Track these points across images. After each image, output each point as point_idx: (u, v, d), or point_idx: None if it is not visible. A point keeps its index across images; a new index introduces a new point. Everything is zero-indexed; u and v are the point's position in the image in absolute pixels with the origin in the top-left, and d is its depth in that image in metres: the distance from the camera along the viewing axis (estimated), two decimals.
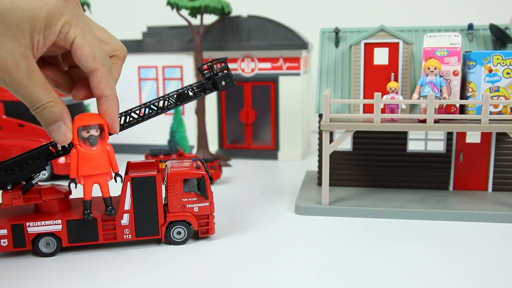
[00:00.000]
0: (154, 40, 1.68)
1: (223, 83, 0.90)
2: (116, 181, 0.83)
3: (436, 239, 0.90)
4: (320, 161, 1.18)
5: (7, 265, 0.81)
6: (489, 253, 0.83)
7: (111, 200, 0.84)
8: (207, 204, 0.88)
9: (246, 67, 1.62)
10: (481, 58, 1.02)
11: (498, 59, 1.01)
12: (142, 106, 0.86)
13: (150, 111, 0.87)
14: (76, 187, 0.82)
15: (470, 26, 1.17)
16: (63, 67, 0.80)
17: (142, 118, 0.86)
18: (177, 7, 1.46)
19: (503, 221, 0.98)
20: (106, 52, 0.75)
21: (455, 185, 1.16)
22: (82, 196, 0.82)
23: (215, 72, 0.90)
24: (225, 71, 0.90)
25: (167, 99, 0.88)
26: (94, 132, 0.78)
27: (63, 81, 0.78)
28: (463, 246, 0.87)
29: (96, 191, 0.82)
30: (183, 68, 1.69)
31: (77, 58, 0.70)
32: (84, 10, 1.57)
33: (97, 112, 0.78)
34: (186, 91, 0.88)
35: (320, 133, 1.14)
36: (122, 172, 0.86)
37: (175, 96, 0.88)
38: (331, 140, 1.13)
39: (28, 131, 1.41)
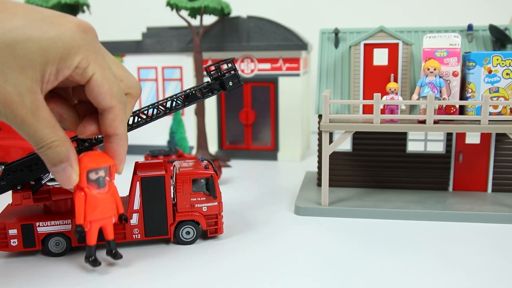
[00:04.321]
0: (154, 40, 1.68)
1: (230, 83, 0.90)
2: (121, 222, 0.79)
3: (436, 239, 0.90)
4: (319, 162, 1.18)
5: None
6: (488, 254, 0.84)
7: (115, 243, 0.80)
8: (216, 203, 0.89)
9: (245, 67, 1.63)
10: (481, 58, 1.03)
11: (497, 59, 1.02)
12: (150, 106, 0.87)
13: (158, 111, 0.87)
14: (83, 235, 0.75)
15: (470, 27, 1.18)
16: (73, 101, 0.74)
17: (150, 119, 0.87)
18: (176, 7, 1.46)
19: (503, 221, 0.98)
20: None
21: (454, 185, 1.16)
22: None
23: (222, 72, 0.90)
24: (232, 72, 0.91)
25: (175, 99, 0.88)
26: (103, 173, 0.72)
27: (69, 116, 0.72)
28: (463, 246, 0.87)
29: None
30: (182, 69, 1.69)
31: (93, 94, 0.66)
32: (84, 11, 1.57)
33: (103, 150, 0.73)
34: (194, 92, 0.89)
35: (320, 133, 1.15)
36: (130, 172, 0.86)
37: (182, 96, 0.89)
38: (330, 141, 1.13)
39: None
